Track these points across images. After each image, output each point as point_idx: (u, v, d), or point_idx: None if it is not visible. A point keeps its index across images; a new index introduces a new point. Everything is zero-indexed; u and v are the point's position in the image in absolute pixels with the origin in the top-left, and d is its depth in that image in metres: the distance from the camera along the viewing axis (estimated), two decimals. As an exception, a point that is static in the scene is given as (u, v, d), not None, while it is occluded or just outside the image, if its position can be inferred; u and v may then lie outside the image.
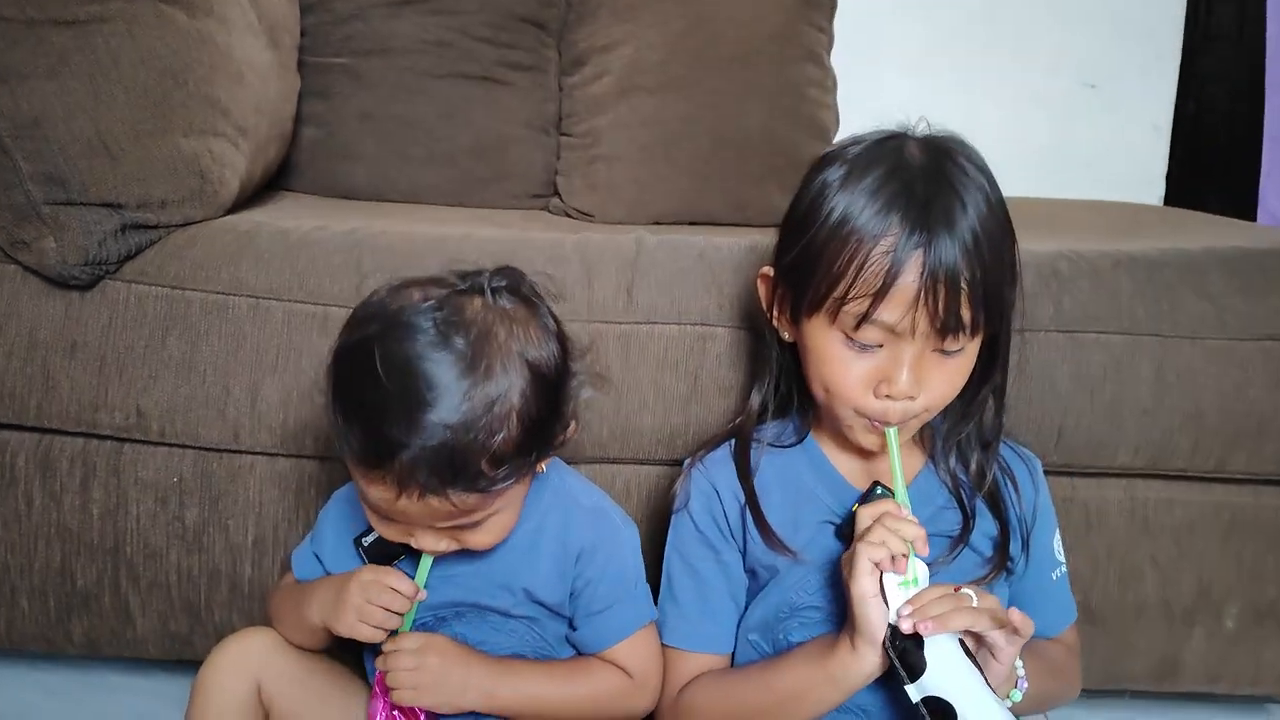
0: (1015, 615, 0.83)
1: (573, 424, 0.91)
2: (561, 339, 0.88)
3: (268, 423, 1.07)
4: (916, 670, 0.80)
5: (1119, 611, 1.15)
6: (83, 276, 1.06)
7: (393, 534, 0.88)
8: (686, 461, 1.03)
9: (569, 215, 1.62)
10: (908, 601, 0.82)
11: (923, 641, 0.80)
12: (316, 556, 0.98)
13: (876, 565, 0.84)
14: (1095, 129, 2.04)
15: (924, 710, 0.79)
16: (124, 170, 1.06)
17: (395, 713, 0.91)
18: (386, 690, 0.91)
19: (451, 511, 0.82)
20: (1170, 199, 2.10)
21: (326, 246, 1.10)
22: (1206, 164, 2.18)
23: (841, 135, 1.64)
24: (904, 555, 0.84)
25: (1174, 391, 1.09)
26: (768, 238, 1.01)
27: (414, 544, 0.87)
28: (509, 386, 0.81)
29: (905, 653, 0.80)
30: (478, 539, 0.87)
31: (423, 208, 1.53)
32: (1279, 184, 2.01)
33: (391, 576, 0.89)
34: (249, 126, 1.25)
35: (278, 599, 0.99)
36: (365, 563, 0.92)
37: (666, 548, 1.01)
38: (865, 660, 0.85)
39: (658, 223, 1.58)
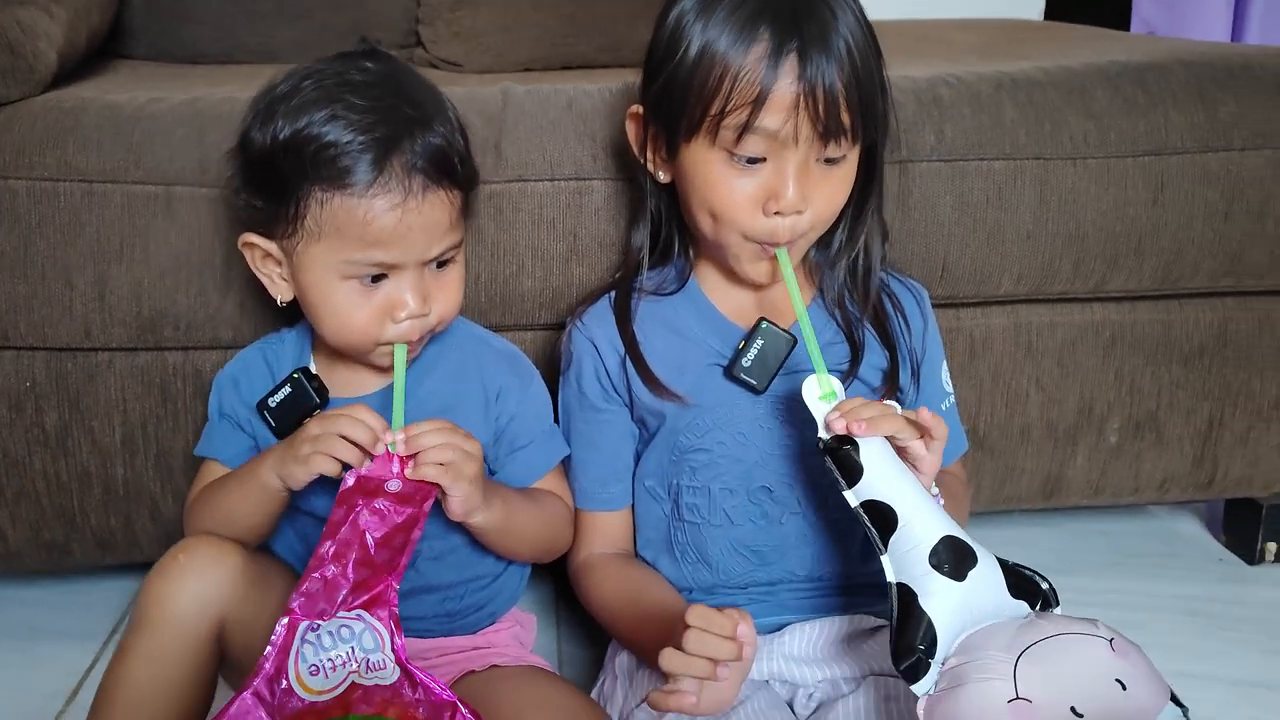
0: (925, 414, 0.83)
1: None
2: None
3: (120, 316, 1.00)
4: (855, 475, 0.79)
5: (1006, 435, 1.17)
6: (-113, 170, 0.96)
7: (371, 318, 0.85)
8: (568, 319, 1.00)
9: (434, 66, 1.54)
10: (835, 408, 0.81)
11: (857, 448, 0.79)
12: (238, 427, 0.93)
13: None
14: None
15: (863, 514, 0.78)
16: (-84, 48, 0.95)
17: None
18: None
19: (448, 217, 0.85)
20: (1050, 13, 2.07)
21: (165, 120, 1.01)
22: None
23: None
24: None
25: (1056, 215, 1.09)
26: (639, 78, 0.96)
27: (393, 323, 0.85)
28: (437, 92, 0.90)
29: (841, 460, 0.79)
30: (448, 292, 0.88)
31: (274, 68, 1.42)
32: (1152, -9, 2.00)
33: (354, 408, 0.83)
34: (62, -10, 1.13)
35: (207, 495, 0.91)
36: (273, 426, 0.89)
37: (559, 411, 1.00)
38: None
39: (528, 69, 1.51)
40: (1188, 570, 1.32)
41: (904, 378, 0.96)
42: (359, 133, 0.82)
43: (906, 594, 0.75)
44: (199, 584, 0.81)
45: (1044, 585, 0.79)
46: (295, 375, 0.90)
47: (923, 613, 0.74)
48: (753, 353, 0.90)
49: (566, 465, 0.99)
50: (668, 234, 0.98)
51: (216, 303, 1.00)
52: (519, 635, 1.01)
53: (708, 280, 0.97)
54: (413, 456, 0.82)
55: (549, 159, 1.03)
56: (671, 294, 0.97)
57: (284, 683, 0.77)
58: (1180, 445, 1.20)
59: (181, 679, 0.80)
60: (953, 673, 0.72)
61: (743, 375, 0.90)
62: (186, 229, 0.99)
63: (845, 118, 0.84)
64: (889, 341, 0.97)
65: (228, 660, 0.84)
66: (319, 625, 0.78)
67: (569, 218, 1.03)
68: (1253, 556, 1.33)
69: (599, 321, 0.97)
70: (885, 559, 0.77)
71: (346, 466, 0.81)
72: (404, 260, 0.84)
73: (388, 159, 0.82)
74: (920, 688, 0.72)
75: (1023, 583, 0.78)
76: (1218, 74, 1.12)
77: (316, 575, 0.78)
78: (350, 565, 0.79)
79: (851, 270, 0.97)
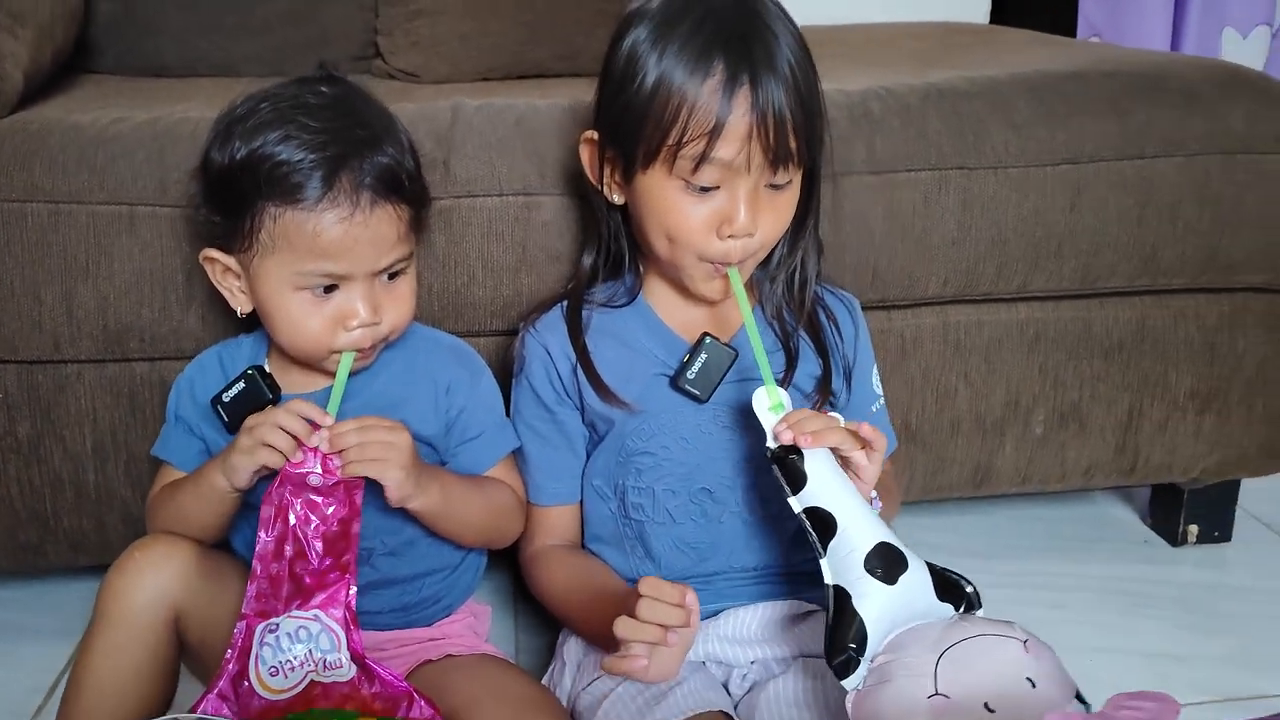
0: (866, 429, 0.89)
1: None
2: None
3: (88, 329, 1.04)
4: (799, 483, 0.84)
5: (936, 429, 1.23)
6: None
7: (322, 327, 0.89)
8: (521, 325, 1.05)
9: (393, 77, 1.58)
10: (783, 419, 0.87)
11: (802, 458, 0.85)
12: (191, 431, 0.97)
13: None
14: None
15: (806, 520, 0.84)
16: (-115, 77, 0.99)
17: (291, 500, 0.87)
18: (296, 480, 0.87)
19: (396, 231, 0.90)
20: (996, 15, 2.13)
21: (127, 142, 1.06)
22: (1030, -23, 2.22)
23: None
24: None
25: (979, 221, 1.15)
26: (589, 96, 1.01)
27: (344, 331, 0.89)
28: (389, 115, 0.95)
29: (787, 468, 0.85)
30: (400, 303, 0.93)
31: (237, 82, 1.46)
32: (1096, -6, 2.06)
33: (293, 402, 0.88)
34: (26, 11, 1.18)
35: (163, 496, 0.96)
36: (226, 421, 0.93)
37: (511, 414, 1.05)
38: None
39: (486, 78, 1.55)
40: (1114, 552, 1.40)
41: (836, 383, 1.02)
42: (310, 151, 0.87)
43: (842, 596, 0.81)
44: (153, 578, 0.86)
45: (969, 589, 0.85)
46: (249, 372, 0.93)
47: (856, 614, 0.80)
48: (697, 365, 0.96)
49: (518, 458, 1.04)
50: (618, 250, 1.03)
51: (179, 315, 1.05)
52: (473, 626, 1.06)
53: (656, 295, 1.02)
54: (340, 453, 0.87)
55: (497, 175, 1.08)
56: (621, 307, 1.02)
57: (245, 683, 0.83)
58: (1103, 434, 1.27)
59: (141, 668, 0.86)
60: (880, 669, 0.77)
61: (687, 386, 0.96)
62: (149, 246, 1.03)
63: (793, 144, 0.89)
64: (823, 350, 1.02)
65: (188, 650, 0.90)
66: (276, 626, 0.83)
67: (517, 231, 1.08)
68: (1175, 539, 1.40)
69: (551, 330, 1.02)
70: (824, 562, 0.83)
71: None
72: (353, 271, 0.89)
73: (336, 175, 0.87)
74: (850, 683, 0.78)
75: (949, 586, 0.84)
76: (1133, 85, 1.19)
77: (261, 575, 0.84)
78: (288, 561, 0.84)
79: (789, 284, 1.02)
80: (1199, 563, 1.37)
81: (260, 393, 0.93)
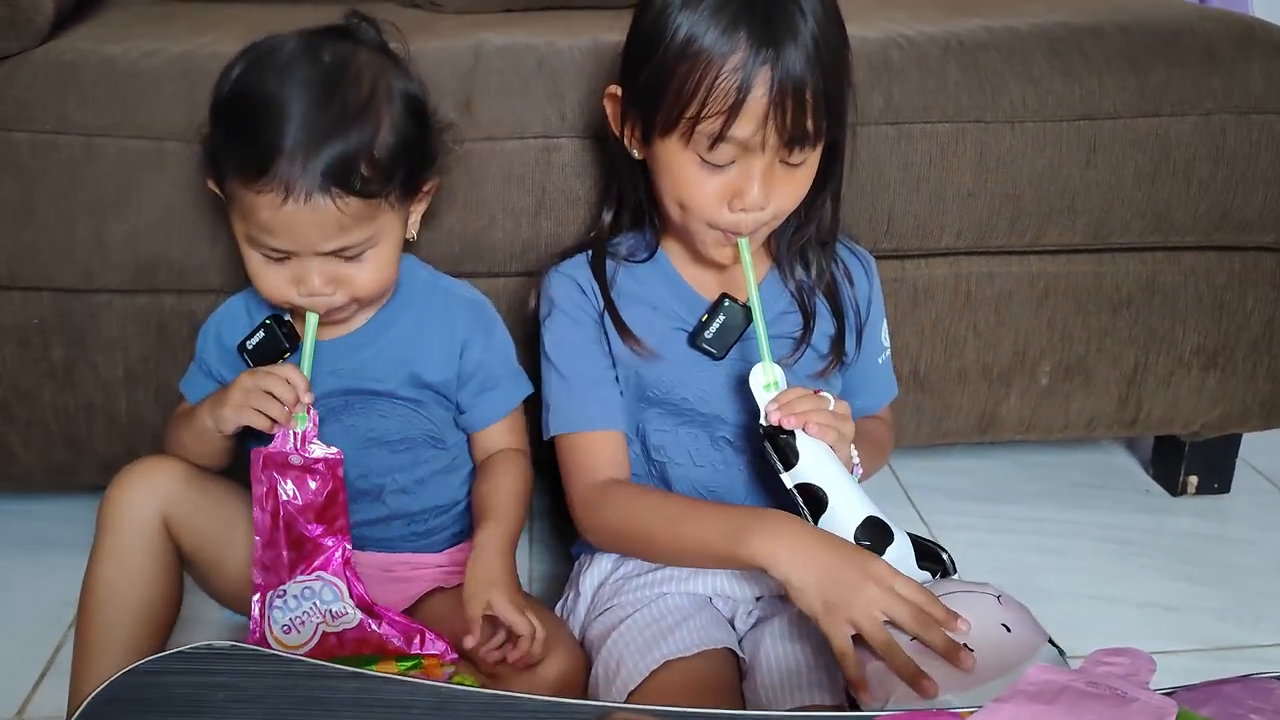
0: (841, 407, 0.92)
1: (437, 178, 1.00)
2: (421, 85, 0.97)
3: (117, 261, 1.08)
4: (791, 460, 0.89)
5: (944, 377, 1.26)
6: (-104, 122, 1.03)
7: (280, 282, 0.91)
8: (545, 271, 1.06)
9: (416, 5, 1.57)
10: (773, 399, 0.91)
11: (794, 436, 0.89)
12: (209, 375, 1.02)
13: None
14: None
15: (797, 495, 0.89)
16: (-80, 7, 1.01)
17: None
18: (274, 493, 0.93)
19: (338, 221, 0.88)
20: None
21: (157, 77, 1.08)
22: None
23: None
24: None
25: (994, 174, 1.16)
26: (611, 37, 1.01)
27: (298, 294, 0.91)
28: (378, 94, 0.91)
29: (780, 446, 0.89)
30: (362, 276, 0.92)
31: (261, 9, 1.47)
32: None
33: (277, 366, 0.93)
34: (56, -60, 1.18)
35: (173, 425, 1.02)
36: (250, 365, 0.97)
37: (543, 351, 1.03)
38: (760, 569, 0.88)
39: (508, 9, 1.54)
40: (1115, 500, 1.43)
41: (849, 343, 1.05)
42: (265, 132, 0.86)
43: None
44: (143, 490, 0.93)
45: (944, 556, 0.90)
46: (268, 321, 0.97)
47: None
48: (715, 325, 0.98)
49: (554, 395, 1.01)
50: (637, 203, 1.05)
51: (206, 251, 1.08)
52: None
53: (674, 253, 1.04)
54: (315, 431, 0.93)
55: (518, 117, 1.09)
56: (641, 262, 1.04)
57: (266, 646, 0.90)
58: (1107, 387, 1.30)
59: (144, 566, 0.93)
60: None
61: (704, 345, 0.98)
62: (177, 182, 1.06)
63: (810, 125, 0.89)
64: (838, 310, 1.05)
65: (186, 560, 0.96)
66: (284, 592, 0.91)
67: (537, 174, 1.10)
68: (1176, 489, 1.43)
69: (578, 270, 1.03)
70: None
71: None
72: (297, 249, 0.89)
73: (275, 163, 0.86)
74: None
75: (928, 554, 0.89)
76: (1151, 41, 1.18)
77: (262, 550, 0.91)
78: (284, 533, 0.91)
79: (808, 245, 1.04)
80: (1198, 513, 1.41)
81: (279, 341, 0.97)
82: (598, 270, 1.03)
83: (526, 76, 1.12)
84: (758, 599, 1.01)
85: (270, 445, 0.92)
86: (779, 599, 1.01)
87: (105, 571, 0.92)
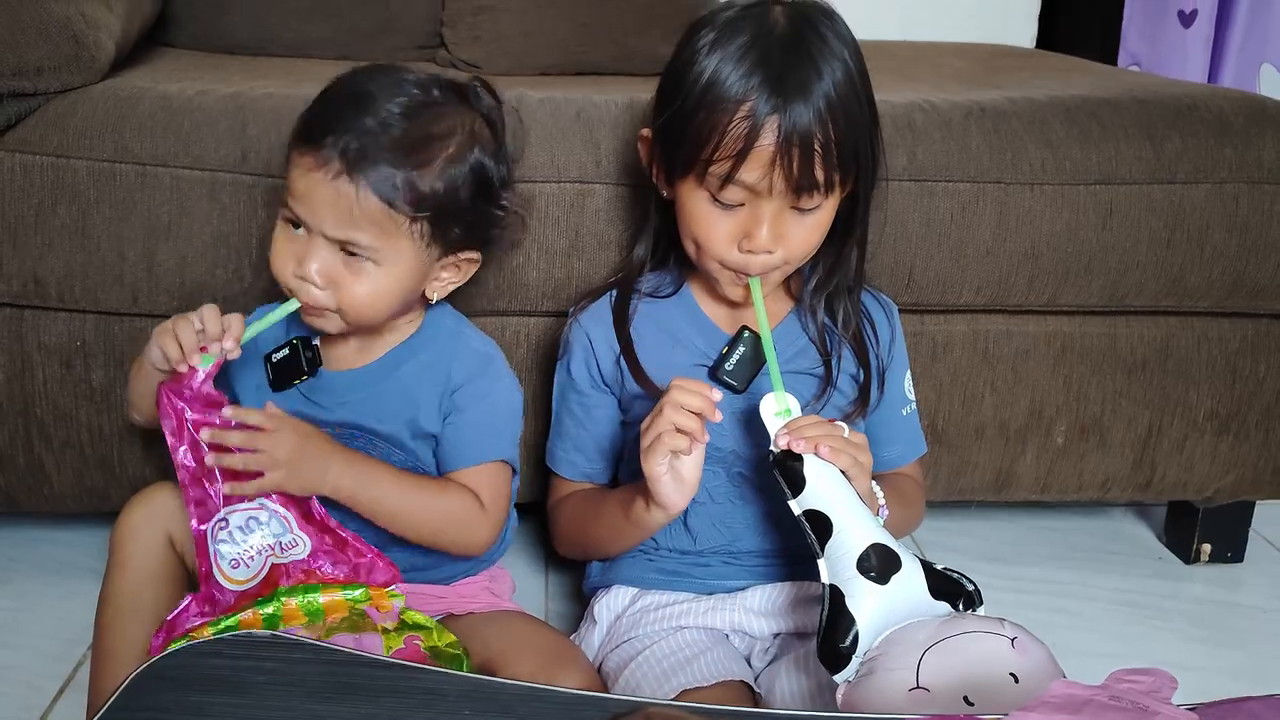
0: (857, 437, 0.94)
1: (477, 257, 1.01)
2: (508, 170, 1.02)
3: (165, 285, 1.11)
4: (798, 486, 0.90)
5: (961, 432, 1.28)
6: (-37, 147, 1.08)
7: (285, 255, 0.94)
8: (570, 311, 1.11)
9: (455, 67, 1.64)
10: (785, 425, 0.93)
11: (802, 462, 0.90)
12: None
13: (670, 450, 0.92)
14: (972, -30, 2.09)
15: (804, 522, 0.89)
16: (-4, 39, 1.07)
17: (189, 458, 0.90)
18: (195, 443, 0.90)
19: (351, 210, 0.90)
20: (1043, 41, 2.17)
21: (210, 112, 1.12)
22: (1077, 6, 2.26)
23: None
24: (698, 436, 0.92)
25: (1013, 234, 1.19)
26: (644, 94, 1.07)
27: (293, 273, 0.93)
28: (449, 147, 0.94)
29: (787, 472, 0.91)
30: (355, 288, 0.93)
31: (306, 63, 1.53)
32: (1139, 26, 2.10)
33: (203, 309, 0.92)
34: (121, -15, 1.24)
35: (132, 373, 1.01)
36: (270, 379, 0.99)
37: (554, 390, 1.11)
38: (656, 517, 0.97)
39: (544, 74, 1.61)
40: (1128, 566, 1.44)
41: (873, 389, 1.07)
42: (337, 112, 0.93)
43: (837, 595, 0.86)
44: (145, 509, 0.98)
45: (969, 587, 0.89)
46: (294, 341, 0.98)
47: (849, 613, 0.85)
48: (735, 357, 1.01)
49: (553, 432, 1.10)
50: (666, 243, 1.09)
51: (251, 279, 1.12)
52: (491, 589, 1.10)
53: (697, 290, 1.08)
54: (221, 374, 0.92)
55: (556, 163, 1.14)
56: (666, 297, 1.08)
57: (215, 582, 0.91)
58: (1121, 449, 1.31)
59: (152, 580, 0.97)
60: (869, 664, 0.82)
61: (725, 377, 1.01)
62: (227, 211, 1.10)
63: (819, 174, 0.93)
64: (862, 353, 1.08)
65: (190, 571, 0.99)
66: (226, 521, 0.91)
67: (572, 217, 1.14)
68: (1189, 556, 1.44)
69: (596, 321, 1.07)
70: (821, 563, 0.88)
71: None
72: (309, 220, 0.92)
73: (326, 138, 0.90)
74: (840, 677, 0.83)
75: (946, 584, 0.88)
76: (1166, 112, 1.23)
77: (189, 484, 0.90)
78: (204, 460, 0.89)
79: (831, 292, 1.07)
80: (1211, 580, 1.41)
81: (298, 364, 0.97)
82: (619, 314, 1.07)
83: (565, 125, 1.16)
84: (775, 636, 1.02)
85: (171, 381, 0.90)
86: (795, 636, 1.02)
87: (120, 582, 0.97)
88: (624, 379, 1.06)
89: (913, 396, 1.13)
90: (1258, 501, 1.43)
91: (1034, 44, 2.17)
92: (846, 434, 0.94)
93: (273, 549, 0.92)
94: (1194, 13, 2.05)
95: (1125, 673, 0.66)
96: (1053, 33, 2.21)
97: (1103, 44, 2.24)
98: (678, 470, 0.93)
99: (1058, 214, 1.19)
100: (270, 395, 0.98)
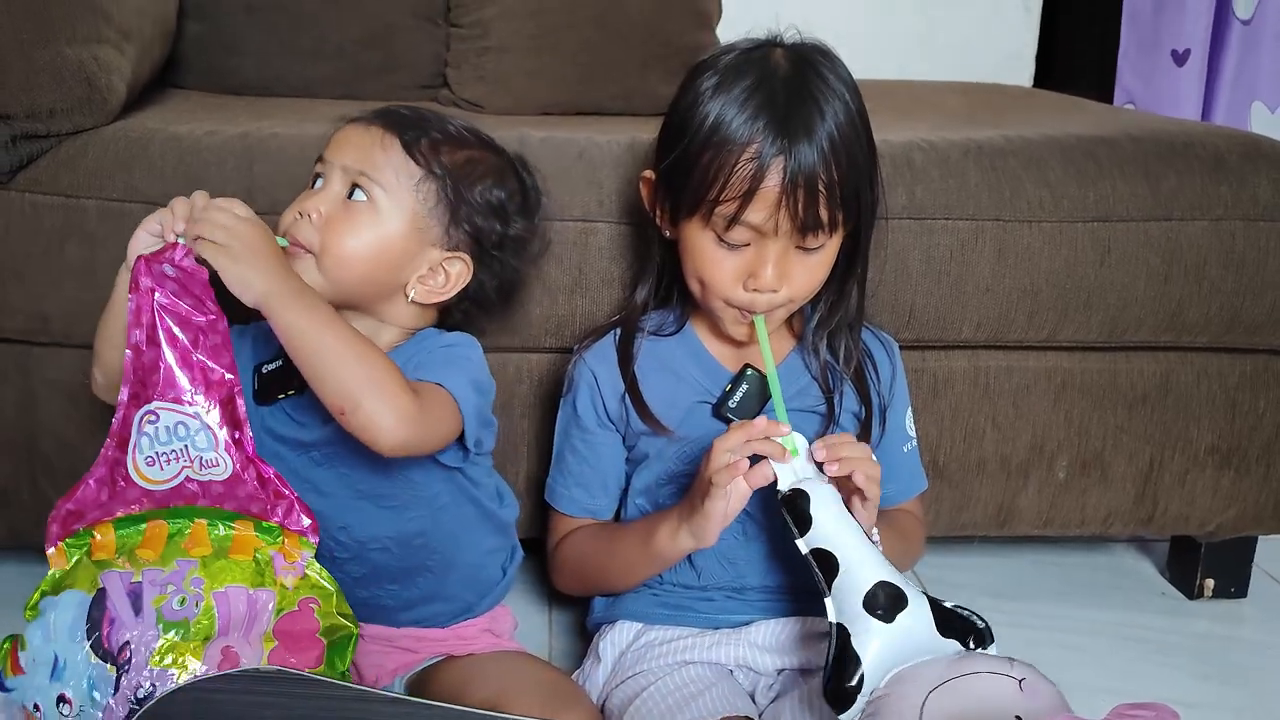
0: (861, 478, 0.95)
1: (464, 264, 1.00)
2: (522, 228, 1.05)
3: (172, 323, 1.12)
4: (805, 525, 0.91)
5: (962, 467, 1.28)
6: (-24, 187, 1.09)
7: (299, 203, 0.97)
8: (575, 349, 1.12)
9: (458, 106, 1.66)
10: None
11: (809, 502, 0.91)
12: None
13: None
14: (968, 9, 2.11)
15: (812, 560, 0.90)
16: (10, 81, 1.08)
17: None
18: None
19: (372, 145, 0.97)
20: (1040, 80, 2.20)
21: (219, 152, 1.14)
22: (1073, 45, 2.29)
23: (723, 24, 1.70)
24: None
25: (1012, 271, 1.21)
26: (646, 135, 1.08)
27: (294, 215, 0.97)
28: (476, 167, 1.02)
29: (795, 510, 0.91)
30: (333, 228, 0.95)
31: (312, 102, 1.55)
32: (1135, 64, 2.13)
33: (175, 200, 0.90)
34: (132, 29, 1.26)
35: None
36: (255, 389, 0.98)
37: (556, 426, 1.12)
38: (684, 547, 0.98)
39: (546, 113, 1.62)
40: (1130, 601, 1.43)
41: (874, 425, 1.08)
42: (388, 112, 1.02)
43: (843, 634, 0.86)
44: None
45: (980, 624, 0.89)
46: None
47: (854, 652, 0.85)
48: (738, 395, 1.03)
49: (556, 466, 1.12)
50: (669, 281, 1.10)
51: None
52: (491, 629, 1.09)
53: (701, 328, 1.09)
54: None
55: (559, 201, 1.15)
56: (669, 335, 1.09)
57: (123, 471, 0.86)
58: (1123, 484, 1.32)
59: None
60: (875, 704, 0.82)
61: (728, 414, 1.02)
62: (235, 249, 1.11)
63: (824, 214, 0.95)
64: (863, 391, 1.08)
65: None
66: (156, 417, 0.86)
67: (574, 254, 1.15)
68: (1192, 592, 1.44)
69: (601, 359, 1.09)
70: (828, 601, 0.88)
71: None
72: (330, 156, 0.98)
73: (373, 119, 1.00)
74: (846, 716, 0.84)
75: (955, 622, 0.89)
76: (1162, 150, 1.25)
77: (133, 367, 0.85)
78: (163, 348, 0.85)
79: (833, 330, 1.08)
80: (1214, 616, 1.41)
81: (287, 379, 0.97)
82: (623, 353, 1.08)
83: (567, 165, 1.18)
84: (779, 672, 1.02)
85: (152, 250, 0.87)
86: (799, 673, 1.02)
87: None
88: (629, 416, 1.06)
89: (914, 433, 1.14)
90: (1260, 536, 1.43)
91: (1031, 83, 2.20)
92: (874, 460, 0.95)
93: (192, 462, 0.87)
94: (1187, 52, 2.08)
95: (1128, 708, 0.66)
96: (1049, 72, 2.24)
97: (1099, 83, 2.27)
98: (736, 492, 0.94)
99: (1056, 251, 1.21)
100: (253, 407, 0.96)
